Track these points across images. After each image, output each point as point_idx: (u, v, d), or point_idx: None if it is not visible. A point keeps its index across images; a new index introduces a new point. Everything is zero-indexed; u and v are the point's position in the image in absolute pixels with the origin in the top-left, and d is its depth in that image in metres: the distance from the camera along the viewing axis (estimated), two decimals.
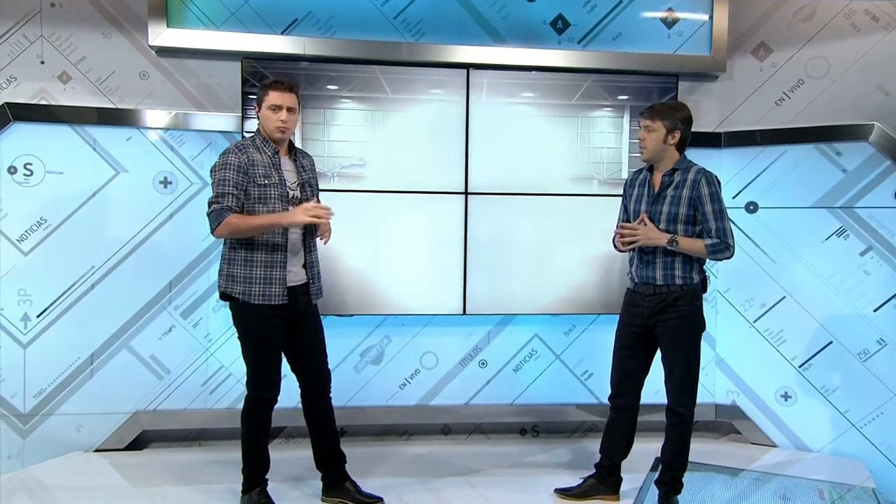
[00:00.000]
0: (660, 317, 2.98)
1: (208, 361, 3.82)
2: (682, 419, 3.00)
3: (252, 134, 2.96)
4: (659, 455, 3.14)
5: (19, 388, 3.66)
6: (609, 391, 3.19)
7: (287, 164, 2.93)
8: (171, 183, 3.75)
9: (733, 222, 3.27)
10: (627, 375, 3.12)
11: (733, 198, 3.96)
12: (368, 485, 3.16)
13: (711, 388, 4.10)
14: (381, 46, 3.75)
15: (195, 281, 3.78)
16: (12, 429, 3.66)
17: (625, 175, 3.82)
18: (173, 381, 3.79)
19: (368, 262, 3.75)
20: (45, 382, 3.68)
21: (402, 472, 3.49)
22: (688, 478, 3.09)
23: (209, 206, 2.79)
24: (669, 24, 3.96)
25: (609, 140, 3.88)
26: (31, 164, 3.62)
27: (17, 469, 3.53)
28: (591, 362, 4.06)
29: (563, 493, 3.21)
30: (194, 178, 3.76)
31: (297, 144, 3.29)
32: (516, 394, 4.06)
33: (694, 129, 3.04)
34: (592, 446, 3.32)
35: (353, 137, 3.73)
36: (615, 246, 3.09)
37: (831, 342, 3.82)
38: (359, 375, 3.93)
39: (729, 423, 4.10)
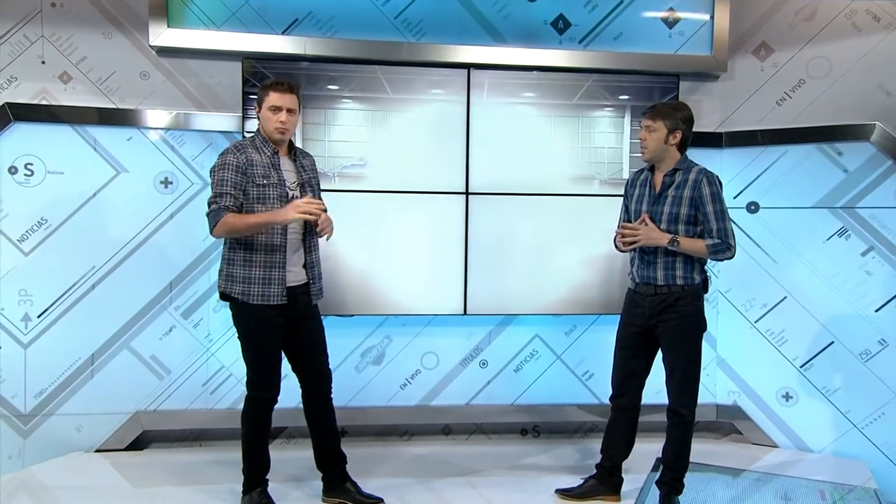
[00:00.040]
0: (661, 317, 2.98)
1: (209, 362, 3.82)
2: (683, 419, 3.00)
3: (252, 134, 2.96)
4: (660, 455, 3.14)
5: (20, 388, 3.66)
6: (610, 391, 3.18)
7: (287, 164, 2.93)
8: (171, 183, 3.75)
9: (734, 222, 3.27)
10: (628, 376, 3.11)
11: (734, 198, 3.96)
12: (369, 485, 3.16)
13: (712, 389, 4.09)
14: (382, 46, 3.74)
15: (196, 281, 3.77)
16: (13, 429, 3.66)
17: (626, 175, 3.82)
18: (174, 381, 3.79)
19: (369, 263, 3.75)
20: (46, 383, 3.68)
21: (403, 473, 3.49)
22: (689, 478, 3.09)
23: (208, 207, 2.80)
24: (670, 23, 3.96)
25: (610, 140, 3.87)
26: (31, 164, 3.62)
27: (17, 469, 3.53)
28: (591, 362, 4.06)
29: (563, 493, 3.21)
30: (195, 179, 3.76)
31: (298, 144, 3.29)
32: (517, 394, 4.05)
33: (695, 129, 3.04)
34: (593, 447, 3.32)
35: (353, 137, 3.72)
36: (616, 246, 3.09)
37: (833, 342, 3.81)
38: (359, 376, 3.93)
39: (730, 423, 4.10)
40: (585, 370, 4.08)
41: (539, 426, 4.12)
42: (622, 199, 3.22)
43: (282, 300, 2.85)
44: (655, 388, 3.14)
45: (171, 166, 3.74)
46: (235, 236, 2.82)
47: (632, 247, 3.00)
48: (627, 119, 3.88)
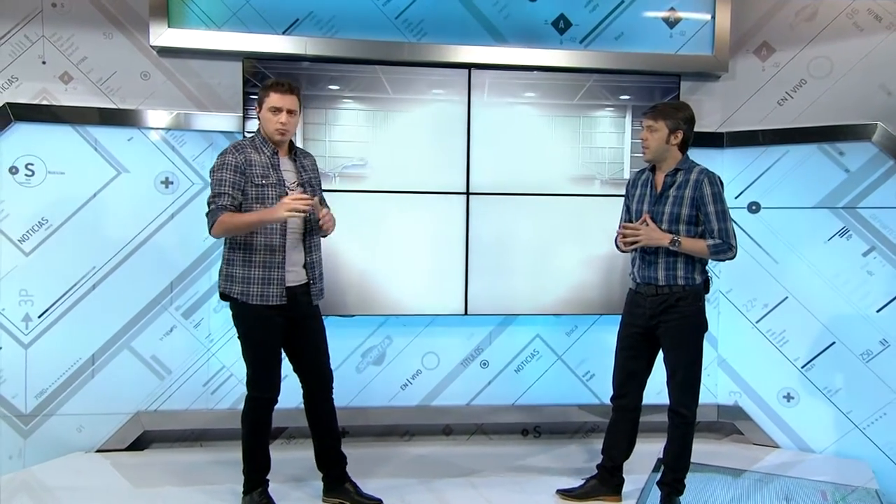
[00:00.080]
0: (662, 317, 2.97)
1: (210, 362, 3.82)
2: (684, 420, 3.00)
3: (252, 134, 2.96)
4: (661, 456, 3.14)
5: (20, 388, 3.66)
6: (611, 392, 3.18)
7: (286, 164, 2.92)
8: (172, 183, 3.75)
9: (735, 222, 3.26)
10: (629, 376, 3.11)
11: (735, 198, 3.96)
12: (370, 485, 3.16)
13: (714, 389, 4.09)
14: (383, 46, 3.74)
15: (196, 281, 3.77)
16: (13, 429, 3.66)
17: (626, 175, 3.82)
18: (174, 381, 3.79)
19: (370, 263, 3.75)
20: (47, 383, 3.68)
21: (404, 473, 3.49)
22: (690, 479, 3.09)
23: (208, 207, 2.80)
24: (671, 23, 3.95)
25: (611, 140, 3.87)
26: (32, 164, 3.62)
27: (18, 469, 3.53)
28: (592, 363, 4.06)
29: (564, 493, 3.20)
30: (195, 179, 3.76)
31: (299, 144, 3.28)
32: (518, 394, 4.05)
33: (696, 129, 3.03)
34: (594, 447, 3.32)
35: (354, 138, 3.72)
36: (617, 246, 3.08)
37: (834, 343, 3.81)
38: (360, 376, 3.93)
39: (731, 423, 4.09)
40: (586, 370, 4.07)
41: (540, 426, 4.12)
42: (623, 199, 3.21)
43: (281, 300, 2.85)
44: (656, 389, 3.14)
45: (172, 166, 3.74)
46: (232, 235, 2.82)
47: (633, 247, 2.99)
48: (628, 119, 3.87)
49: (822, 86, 3.85)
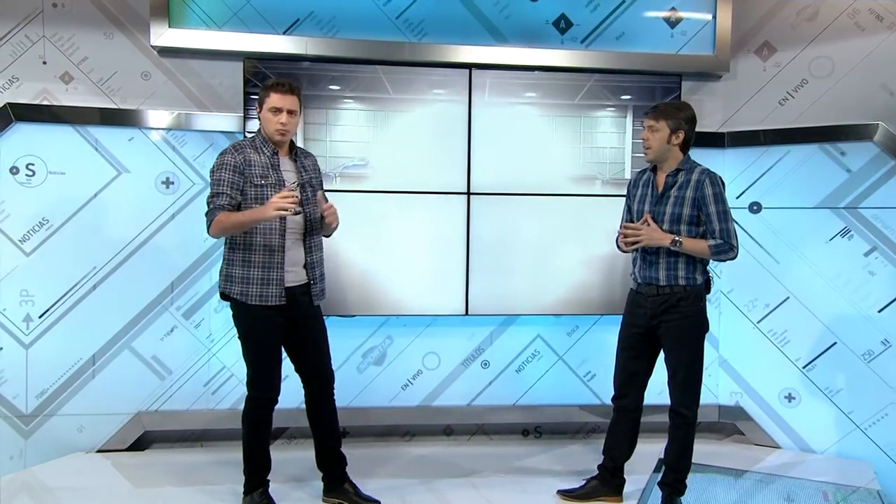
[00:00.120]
0: (663, 318, 2.97)
1: (210, 362, 3.82)
2: (685, 420, 2.99)
3: (253, 134, 2.96)
4: (662, 456, 3.13)
5: (21, 388, 3.66)
6: (612, 392, 3.18)
7: (287, 165, 2.92)
8: (173, 183, 3.74)
9: (737, 222, 3.26)
10: (630, 376, 3.11)
11: (737, 198, 3.95)
12: (371, 486, 3.16)
13: (715, 389, 4.08)
14: (384, 46, 3.74)
15: (197, 281, 3.77)
16: (14, 429, 3.66)
17: (627, 175, 3.81)
18: (175, 381, 3.79)
19: (370, 263, 3.75)
20: (48, 383, 3.68)
21: (405, 473, 3.48)
22: (691, 479, 3.08)
23: (207, 207, 2.80)
24: (673, 23, 3.95)
25: (612, 140, 3.87)
26: (33, 164, 3.62)
27: (19, 470, 3.53)
28: (593, 363, 4.05)
29: (565, 494, 3.20)
30: (196, 179, 3.75)
31: (300, 145, 3.28)
32: (519, 395, 4.05)
33: (697, 129, 3.03)
34: (595, 447, 3.31)
35: (355, 138, 3.72)
36: (618, 246, 3.08)
37: (835, 343, 3.80)
38: (361, 376, 3.93)
39: (732, 424, 4.09)
40: (587, 371, 4.07)
41: (541, 427, 4.11)
42: (624, 199, 3.21)
43: (280, 301, 2.84)
44: (657, 389, 3.13)
45: (173, 166, 3.74)
46: (228, 235, 2.82)
47: (634, 247, 2.99)
48: (629, 119, 3.87)
49: (823, 86, 3.85)
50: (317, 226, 2.95)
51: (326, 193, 3.09)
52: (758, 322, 3.98)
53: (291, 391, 3.07)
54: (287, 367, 3.01)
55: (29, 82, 3.60)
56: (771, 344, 3.95)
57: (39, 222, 3.63)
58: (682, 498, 3.06)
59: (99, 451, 3.69)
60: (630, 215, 3.12)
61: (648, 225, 2.95)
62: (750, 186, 3.97)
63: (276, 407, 2.96)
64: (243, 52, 3.64)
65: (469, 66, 3.76)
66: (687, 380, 2.97)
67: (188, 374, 3.80)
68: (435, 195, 3.78)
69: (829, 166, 3.79)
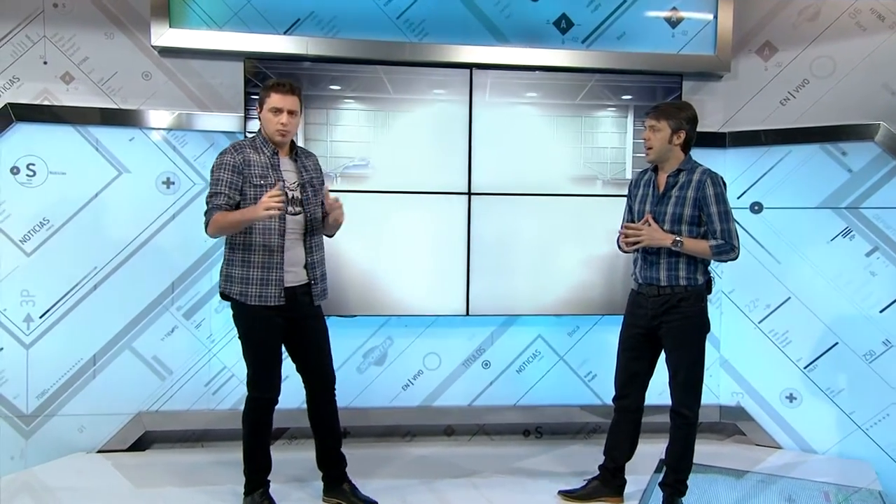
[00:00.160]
0: (664, 318, 2.96)
1: (211, 362, 3.81)
2: (686, 421, 2.99)
3: (253, 134, 2.96)
4: (663, 457, 3.12)
5: (22, 388, 3.66)
6: (613, 392, 3.17)
7: (287, 165, 2.91)
8: (173, 183, 3.74)
9: (738, 223, 3.25)
10: (631, 377, 3.10)
11: (738, 198, 3.95)
12: (371, 486, 3.16)
13: (716, 390, 4.08)
14: (384, 46, 3.74)
15: (198, 282, 3.77)
16: (15, 430, 3.66)
17: (628, 175, 3.81)
18: (176, 381, 3.79)
19: (371, 263, 3.74)
20: (48, 383, 3.68)
21: (405, 474, 3.48)
22: (692, 480, 3.08)
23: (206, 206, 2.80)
24: (674, 23, 3.94)
25: (613, 140, 3.86)
26: (33, 164, 3.62)
27: (19, 470, 3.53)
28: (594, 363, 4.05)
29: (566, 494, 3.20)
30: (197, 179, 3.75)
31: (301, 145, 3.28)
32: (520, 395, 4.04)
33: (698, 129, 3.02)
34: (596, 448, 3.30)
35: (355, 138, 3.72)
36: (619, 246, 3.07)
37: (837, 343, 3.79)
38: (362, 376, 3.93)
39: (733, 424, 4.08)
40: (588, 371, 4.07)
41: (542, 427, 4.11)
42: (626, 199, 3.20)
43: (279, 301, 2.84)
44: (658, 390, 3.13)
45: (173, 167, 3.74)
46: (224, 234, 2.83)
47: (635, 247, 2.98)
48: (630, 119, 3.86)
49: (824, 85, 3.84)
50: (318, 225, 2.95)
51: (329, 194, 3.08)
52: (759, 322, 3.97)
53: (292, 391, 3.07)
54: (288, 367, 3.00)
55: (30, 82, 3.61)
56: (772, 344, 3.94)
57: (40, 222, 3.63)
58: (683, 498, 3.06)
59: (99, 452, 3.69)
60: (631, 215, 3.12)
61: (649, 225, 2.95)
62: (751, 186, 3.96)
63: (277, 407, 2.96)
64: (244, 52, 3.64)
65: (470, 66, 3.76)
66: (688, 380, 2.97)
67: (189, 375, 3.80)
68: (436, 195, 3.78)
69: (830, 166, 3.79)
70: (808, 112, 3.86)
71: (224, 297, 2.90)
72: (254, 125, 3.45)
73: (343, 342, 3.76)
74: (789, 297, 3.89)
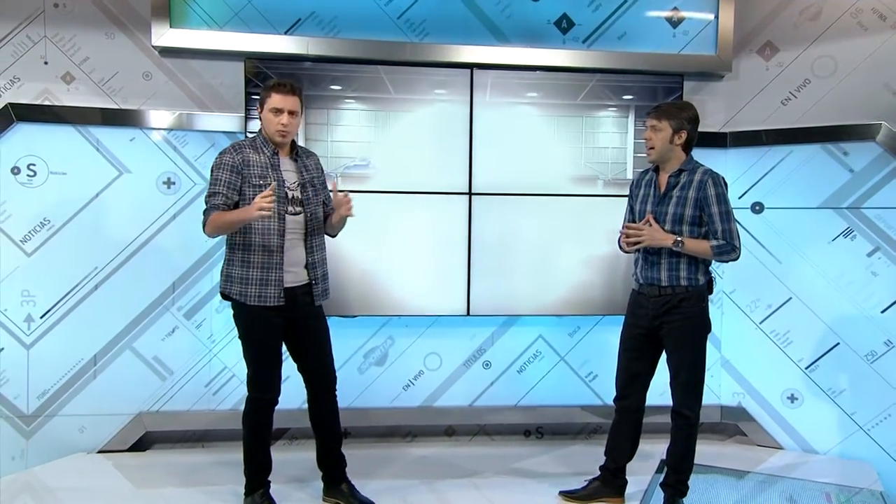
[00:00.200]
0: (665, 318, 2.96)
1: (212, 363, 3.81)
2: (687, 421, 2.98)
3: (254, 134, 2.95)
4: (664, 457, 3.12)
5: (22, 389, 3.65)
6: (614, 393, 3.17)
7: (287, 164, 2.91)
8: (174, 183, 3.74)
9: (739, 223, 3.25)
10: (632, 377, 3.10)
11: (739, 198, 3.94)
12: (372, 486, 3.15)
13: (717, 390, 4.07)
14: (385, 46, 3.73)
15: (198, 282, 3.77)
16: (16, 430, 3.66)
17: (629, 175, 3.81)
18: (176, 382, 3.79)
19: (372, 263, 3.74)
20: (49, 383, 3.68)
21: (406, 474, 3.48)
22: (693, 480, 3.07)
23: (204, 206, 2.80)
24: (675, 23, 3.94)
25: (614, 140, 3.86)
26: (34, 164, 3.62)
27: (20, 470, 3.53)
28: (595, 364, 4.04)
29: (567, 495, 3.19)
30: (197, 179, 3.75)
31: (301, 144, 3.27)
32: (520, 395, 4.04)
33: (699, 129, 3.02)
34: (597, 448, 3.30)
35: (356, 138, 3.72)
36: (620, 246, 3.07)
37: (838, 343, 3.79)
38: (362, 376, 3.92)
39: (735, 424, 4.08)
40: (589, 371, 4.06)
41: (542, 427, 4.11)
42: (627, 199, 3.20)
43: (279, 301, 2.83)
44: (659, 390, 3.12)
45: (174, 167, 3.74)
46: (221, 234, 2.83)
47: (636, 247, 2.98)
48: (631, 119, 3.86)
49: (826, 85, 3.84)
50: (319, 225, 2.95)
51: (330, 194, 3.08)
52: (760, 322, 3.97)
53: (293, 392, 3.07)
54: (288, 367, 3.00)
55: (30, 82, 3.61)
56: (773, 344, 3.94)
57: (41, 222, 3.63)
58: (684, 499, 3.05)
59: (100, 452, 3.69)
60: (632, 215, 3.12)
61: (650, 225, 2.94)
62: (752, 186, 3.96)
63: (278, 407, 2.96)
64: (244, 53, 3.63)
65: (471, 66, 3.76)
66: (689, 380, 2.96)
67: (189, 375, 3.80)
68: (436, 195, 3.77)
69: (831, 166, 3.78)
70: (809, 112, 3.86)
71: (224, 297, 2.90)
72: (254, 125, 3.45)
73: (344, 342, 3.76)
74: (790, 298, 3.89)
